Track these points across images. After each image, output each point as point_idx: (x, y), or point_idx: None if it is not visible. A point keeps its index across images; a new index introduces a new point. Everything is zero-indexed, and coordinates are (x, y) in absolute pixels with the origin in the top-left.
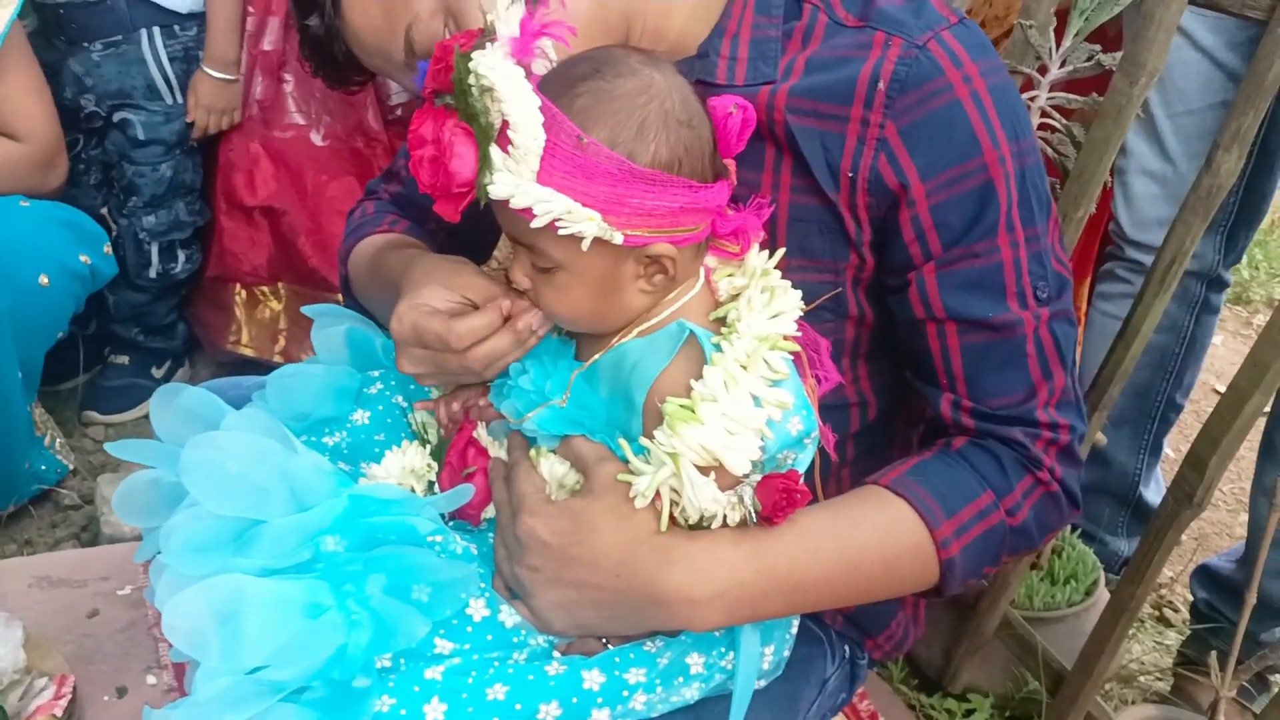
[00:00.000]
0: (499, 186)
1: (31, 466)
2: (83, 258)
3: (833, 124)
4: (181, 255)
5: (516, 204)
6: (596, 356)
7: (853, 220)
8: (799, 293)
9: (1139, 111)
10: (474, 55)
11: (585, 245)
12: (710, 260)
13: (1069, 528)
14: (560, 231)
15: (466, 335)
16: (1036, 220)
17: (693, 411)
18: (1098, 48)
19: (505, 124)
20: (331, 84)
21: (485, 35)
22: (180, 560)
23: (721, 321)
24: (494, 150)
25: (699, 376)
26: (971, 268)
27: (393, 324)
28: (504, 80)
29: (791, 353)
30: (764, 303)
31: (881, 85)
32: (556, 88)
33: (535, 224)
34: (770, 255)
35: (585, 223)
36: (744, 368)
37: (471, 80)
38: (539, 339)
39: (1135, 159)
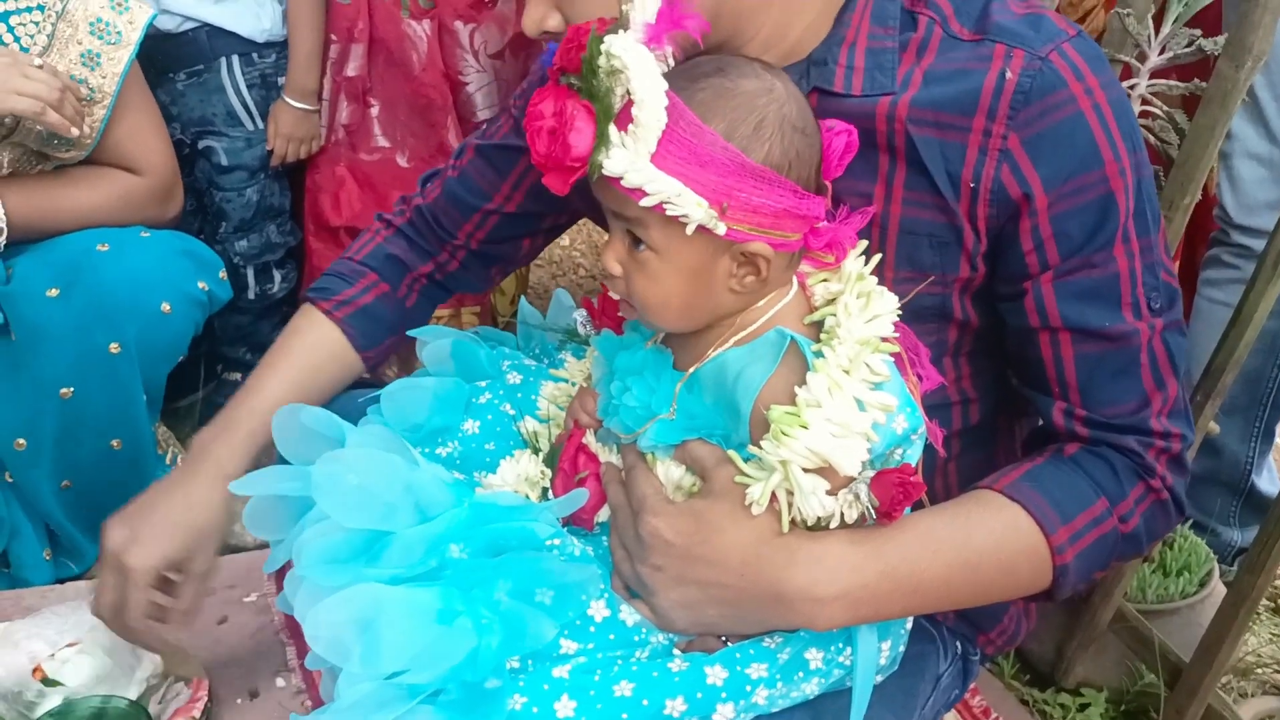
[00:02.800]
0: (614, 163)
1: None
2: (201, 284)
3: (954, 134)
4: (277, 275)
5: (629, 182)
6: (696, 366)
7: (972, 231)
8: (894, 296)
9: (1244, 96)
10: (607, 37)
11: (690, 229)
12: (805, 266)
13: None
14: (668, 212)
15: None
16: (1151, 232)
17: (798, 418)
18: (1198, 32)
19: (628, 105)
20: None
21: (619, 23)
22: (316, 573)
23: (818, 326)
24: (612, 129)
25: (802, 383)
26: (1089, 278)
27: None
28: (635, 60)
29: (891, 354)
30: (860, 307)
31: (1005, 96)
32: (680, 81)
33: (644, 202)
34: (867, 261)
35: (693, 208)
36: (846, 372)
37: (602, 61)
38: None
39: (1240, 142)
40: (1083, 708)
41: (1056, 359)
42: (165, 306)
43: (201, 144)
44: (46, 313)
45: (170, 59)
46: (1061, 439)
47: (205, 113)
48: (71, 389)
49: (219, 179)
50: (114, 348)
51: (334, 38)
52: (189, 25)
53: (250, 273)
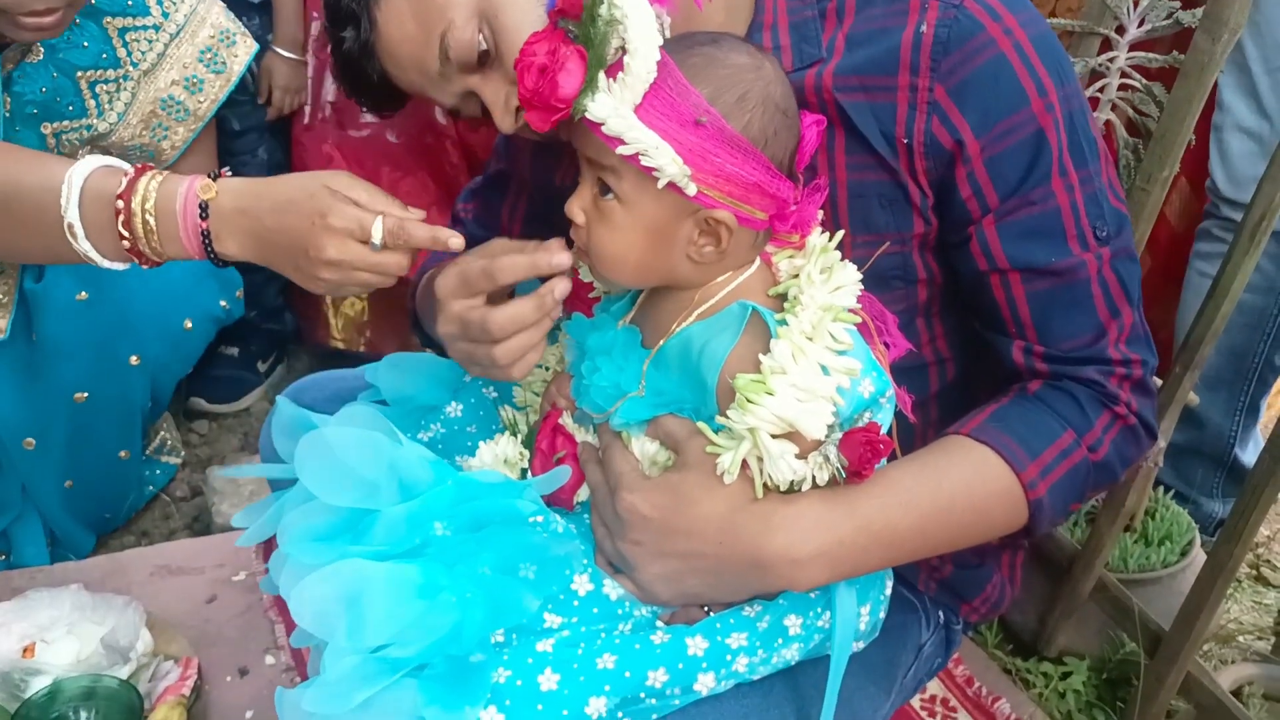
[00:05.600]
0: (599, 107)
1: (147, 476)
2: (222, 303)
3: (882, 95)
4: None
5: (610, 128)
6: (661, 342)
7: (915, 186)
8: (855, 269)
9: (1228, 67)
10: None
11: (661, 184)
12: (769, 245)
13: (1162, 489)
14: (643, 163)
15: (507, 323)
16: (1088, 161)
17: (764, 385)
18: (1177, 5)
19: (621, 56)
20: (365, 105)
21: None
22: (301, 550)
23: (781, 298)
24: (602, 76)
25: (766, 351)
26: (1030, 216)
27: (439, 323)
28: (635, 11)
29: (855, 323)
30: (824, 279)
31: (925, 50)
32: (675, 46)
33: (621, 150)
34: (831, 236)
35: (668, 163)
36: (810, 338)
37: (603, 9)
38: (555, 317)
39: (1231, 115)
40: (1065, 676)
41: (1009, 299)
42: (187, 324)
43: None
44: (72, 317)
45: None
46: (1024, 377)
47: None
48: (86, 394)
49: (233, 145)
50: (134, 360)
51: (315, 15)
52: None
53: None
